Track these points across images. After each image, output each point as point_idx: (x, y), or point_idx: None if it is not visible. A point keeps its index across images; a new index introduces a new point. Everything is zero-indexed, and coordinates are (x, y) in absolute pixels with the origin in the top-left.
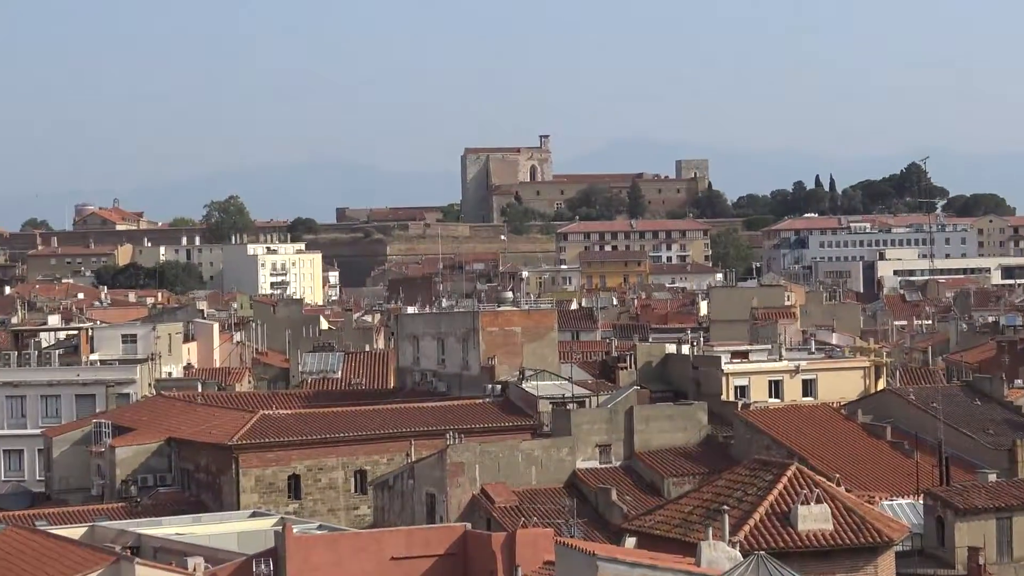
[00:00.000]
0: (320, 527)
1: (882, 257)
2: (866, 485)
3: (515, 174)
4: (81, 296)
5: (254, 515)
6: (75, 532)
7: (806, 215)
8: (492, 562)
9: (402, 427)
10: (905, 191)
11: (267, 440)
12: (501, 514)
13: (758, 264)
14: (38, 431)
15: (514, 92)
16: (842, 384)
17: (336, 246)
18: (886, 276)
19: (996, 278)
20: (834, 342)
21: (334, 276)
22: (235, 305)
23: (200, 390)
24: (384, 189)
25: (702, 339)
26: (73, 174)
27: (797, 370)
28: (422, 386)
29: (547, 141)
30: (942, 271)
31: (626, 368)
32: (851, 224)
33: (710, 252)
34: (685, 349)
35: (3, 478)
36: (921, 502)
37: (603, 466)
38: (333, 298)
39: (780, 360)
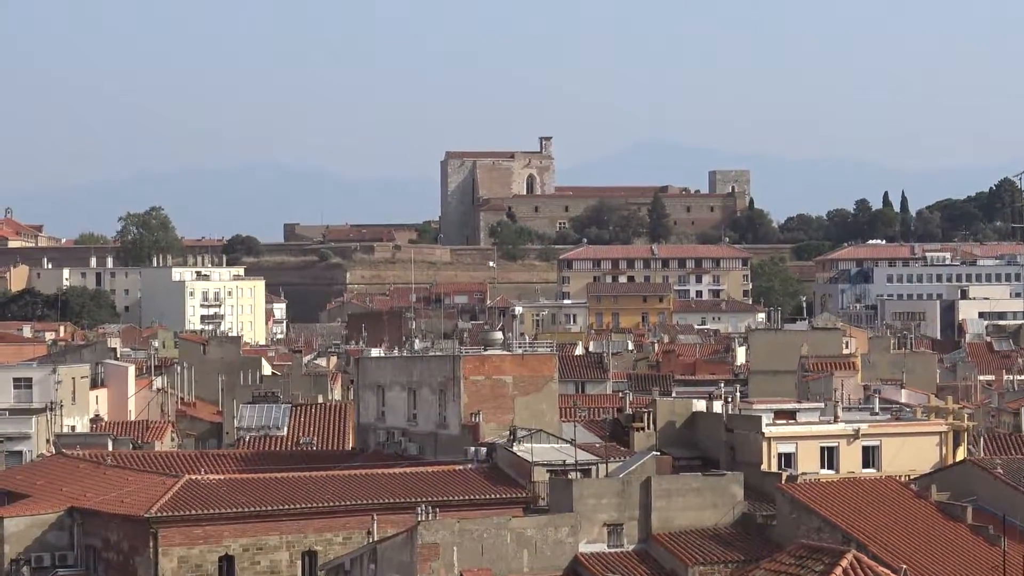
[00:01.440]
0: None
1: (965, 295)
2: None
3: (508, 185)
4: None
5: None
6: None
7: (871, 242)
8: None
9: (362, 498)
10: (994, 214)
11: (194, 512)
12: None
13: (810, 302)
14: None
15: (508, 84)
16: (912, 453)
17: (283, 271)
18: (969, 319)
19: None
20: (903, 400)
21: (280, 309)
22: (156, 343)
23: (111, 448)
24: (344, 202)
25: (738, 394)
26: None
27: (856, 435)
28: (388, 448)
29: (549, 145)
30: None
31: (643, 429)
32: (927, 254)
33: (750, 286)
34: (717, 406)
35: None
36: None
37: (612, 550)
38: (279, 336)
39: (835, 422)
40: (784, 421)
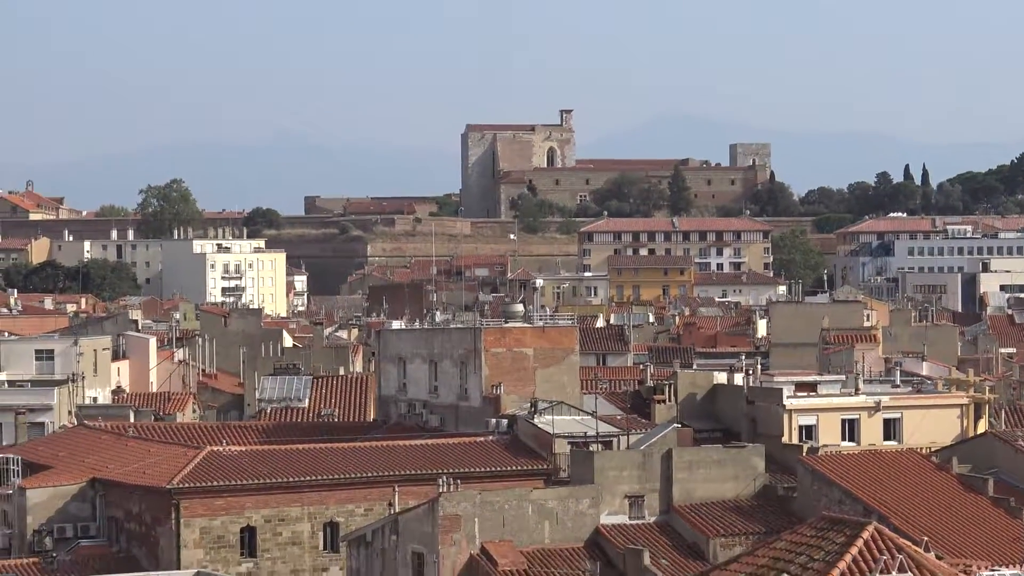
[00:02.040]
0: None
1: (986, 268)
2: (961, 551)
3: (529, 158)
4: None
5: None
6: None
7: (892, 215)
8: None
9: (383, 470)
10: (1016, 187)
11: (215, 483)
12: None
13: (831, 275)
14: None
15: (529, 56)
16: (934, 425)
17: (304, 244)
18: (991, 292)
19: None
20: (924, 373)
21: (301, 281)
22: (177, 315)
23: (133, 420)
24: (365, 174)
25: (759, 367)
26: None
27: (878, 407)
28: (409, 420)
29: (569, 118)
30: None
31: (664, 401)
32: (948, 227)
33: (771, 259)
34: (738, 379)
35: None
36: None
37: (633, 522)
38: (299, 308)
39: (856, 394)
40: (805, 393)
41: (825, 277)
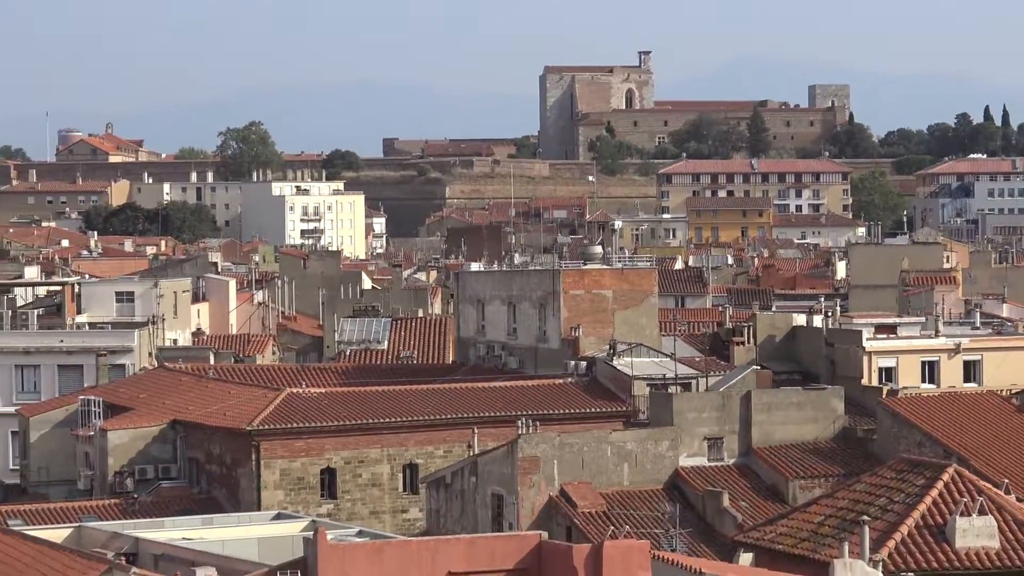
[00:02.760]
0: (360, 533)
1: None
2: None
3: (607, 100)
4: (65, 243)
5: (278, 517)
6: (57, 534)
7: (971, 156)
8: None
9: (463, 412)
10: None
11: (295, 425)
12: (584, 521)
13: (910, 216)
14: (11, 409)
15: None
16: (1014, 367)
17: (382, 186)
18: None
19: None
20: (1005, 315)
21: (379, 223)
22: (256, 257)
23: (212, 362)
24: (442, 116)
25: (838, 309)
26: (57, 91)
27: (958, 349)
28: (488, 361)
29: (648, 59)
30: None
31: (743, 343)
32: None
33: (850, 200)
34: (817, 321)
35: None
36: None
37: (712, 464)
38: (378, 250)
39: (936, 336)
40: (885, 335)
41: (904, 219)
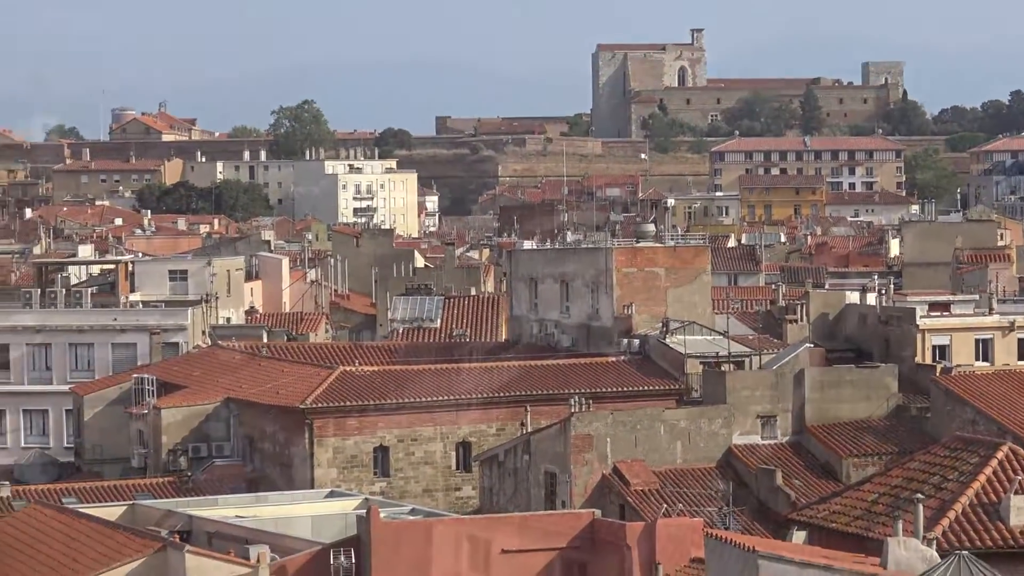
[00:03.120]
0: (413, 511)
1: None
2: None
3: (660, 77)
4: (119, 222)
5: (332, 495)
6: (111, 512)
7: None
8: (626, 558)
9: (516, 390)
10: None
11: (348, 403)
12: (638, 499)
13: (964, 194)
14: (66, 388)
15: None
16: None
17: (435, 164)
18: None
19: None
20: None
21: (432, 201)
22: (309, 236)
23: (266, 340)
24: (495, 94)
25: (892, 287)
26: (110, 70)
27: (1012, 327)
28: (540, 340)
29: (700, 36)
30: None
31: (796, 321)
32: None
33: (903, 178)
34: (871, 299)
35: (24, 445)
36: None
37: (766, 442)
38: (431, 229)
39: (990, 314)
40: (938, 313)
41: (959, 197)
